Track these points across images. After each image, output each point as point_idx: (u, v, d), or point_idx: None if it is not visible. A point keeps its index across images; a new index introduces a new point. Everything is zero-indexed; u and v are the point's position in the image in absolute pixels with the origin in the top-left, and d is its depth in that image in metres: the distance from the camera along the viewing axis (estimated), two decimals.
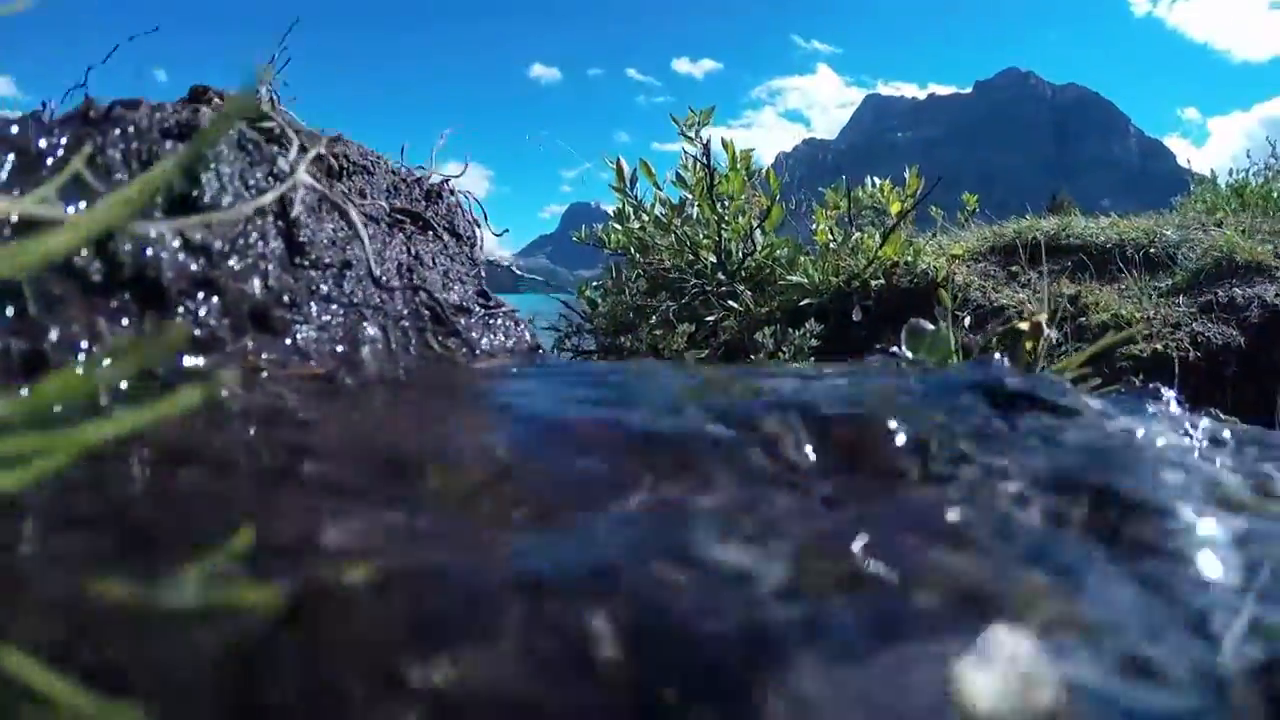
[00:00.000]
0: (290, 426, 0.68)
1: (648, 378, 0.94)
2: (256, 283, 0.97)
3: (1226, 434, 0.90)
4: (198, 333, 0.86)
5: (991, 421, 0.76)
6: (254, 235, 1.01)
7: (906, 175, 4.44)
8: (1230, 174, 7.99)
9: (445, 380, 1.00)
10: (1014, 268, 4.67)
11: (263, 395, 0.79)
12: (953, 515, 0.56)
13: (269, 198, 1.00)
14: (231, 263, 0.96)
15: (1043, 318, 1.19)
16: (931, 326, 1.23)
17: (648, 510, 0.55)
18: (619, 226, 4.56)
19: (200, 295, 0.89)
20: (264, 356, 0.92)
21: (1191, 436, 0.87)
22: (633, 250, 4.49)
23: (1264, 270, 4.48)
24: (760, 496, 0.58)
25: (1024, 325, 1.19)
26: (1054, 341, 1.22)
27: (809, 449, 0.67)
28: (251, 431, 0.67)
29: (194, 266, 0.91)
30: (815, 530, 0.53)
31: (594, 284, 4.81)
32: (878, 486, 0.62)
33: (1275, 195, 6.67)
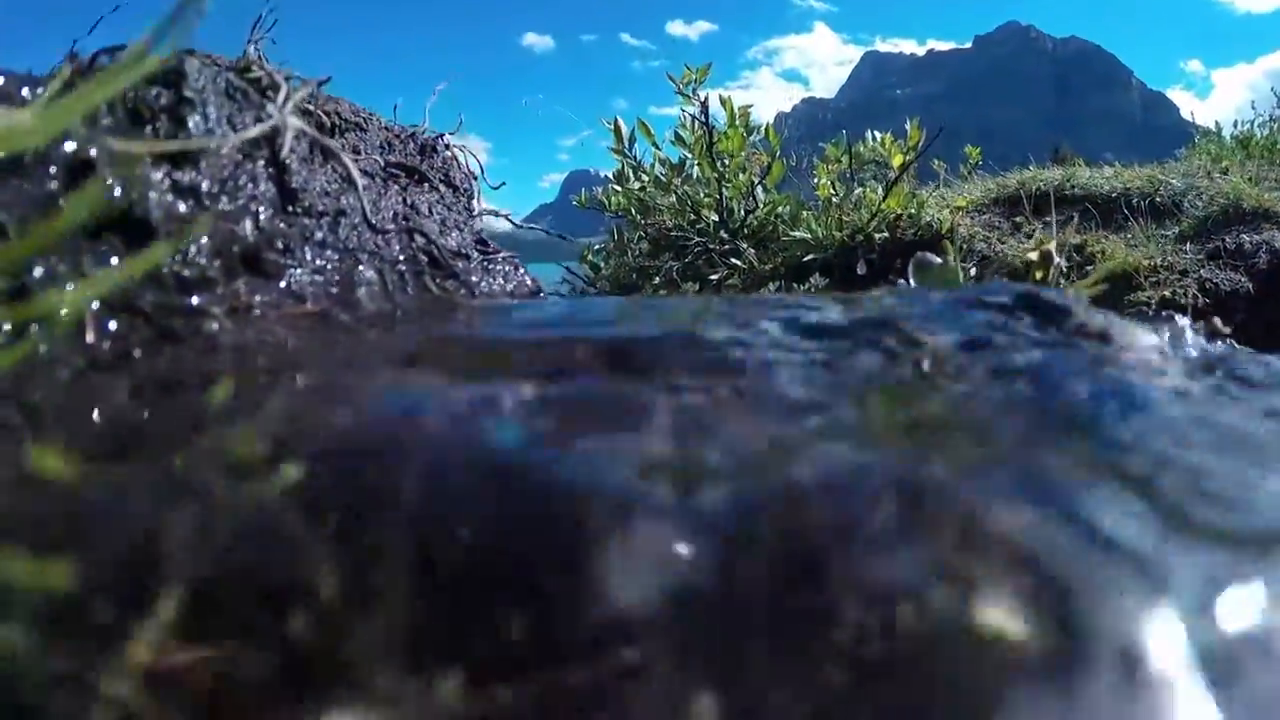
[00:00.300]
0: (280, 348, 0.67)
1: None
2: (248, 224, 0.95)
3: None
4: (187, 273, 0.84)
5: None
6: (244, 178, 0.99)
7: (908, 128, 4.39)
8: (1235, 125, 7.89)
9: (445, 311, 0.98)
10: (1018, 218, 4.63)
11: (254, 330, 0.77)
12: None
13: (255, 130, 0.98)
14: (221, 204, 0.94)
15: (1052, 246, 1.17)
16: (939, 259, 1.21)
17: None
18: (619, 188, 4.52)
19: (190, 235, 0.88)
20: (257, 298, 0.90)
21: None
22: (634, 212, 4.45)
23: (1271, 217, 4.43)
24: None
25: (1033, 255, 1.17)
26: (1063, 271, 1.20)
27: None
28: (238, 356, 0.66)
29: (182, 207, 0.89)
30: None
31: (596, 247, 4.78)
32: None
33: None
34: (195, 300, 0.84)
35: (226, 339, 0.74)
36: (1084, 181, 5.06)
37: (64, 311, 0.58)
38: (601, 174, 4.87)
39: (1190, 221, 4.50)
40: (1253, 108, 8.09)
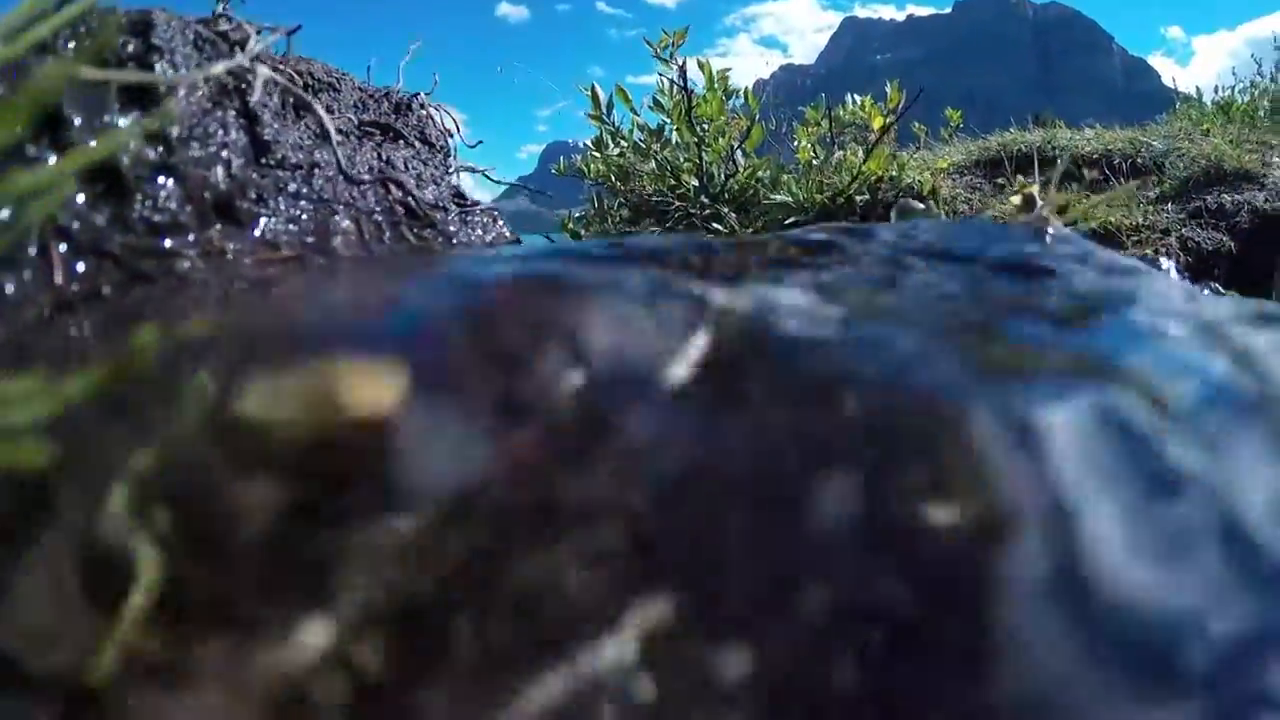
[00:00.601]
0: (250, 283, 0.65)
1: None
2: (219, 171, 0.93)
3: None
4: (157, 218, 0.82)
5: None
6: (214, 125, 0.97)
7: (888, 90, 4.37)
8: (1216, 91, 7.89)
9: (422, 254, 0.97)
10: (1000, 180, 4.63)
11: (228, 270, 0.76)
12: None
13: (220, 66, 0.96)
14: (192, 151, 0.92)
15: (1034, 189, 1.16)
16: (921, 205, 1.20)
17: None
18: (598, 155, 4.47)
19: (159, 180, 0.86)
20: (230, 245, 0.88)
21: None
22: (613, 178, 4.42)
23: (1253, 178, 4.44)
24: None
25: (1015, 199, 1.17)
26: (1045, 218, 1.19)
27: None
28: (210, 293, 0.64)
29: (152, 154, 0.87)
30: None
31: (577, 215, 4.74)
32: None
33: (1261, 113, 6.60)
34: (167, 243, 0.82)
35: (198, 278, 0.72)
36: (1065, 143, 5.06)
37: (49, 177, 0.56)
38: (580, 144, 4.82)
39: (1172, 182, 4.51)
40: (1233, 74, 8.08)
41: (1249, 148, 4.77)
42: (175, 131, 0.90)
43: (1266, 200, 4.22)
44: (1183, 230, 4.11)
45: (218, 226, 0.89)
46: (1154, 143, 4.98)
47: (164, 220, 0.82)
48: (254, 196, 0.97)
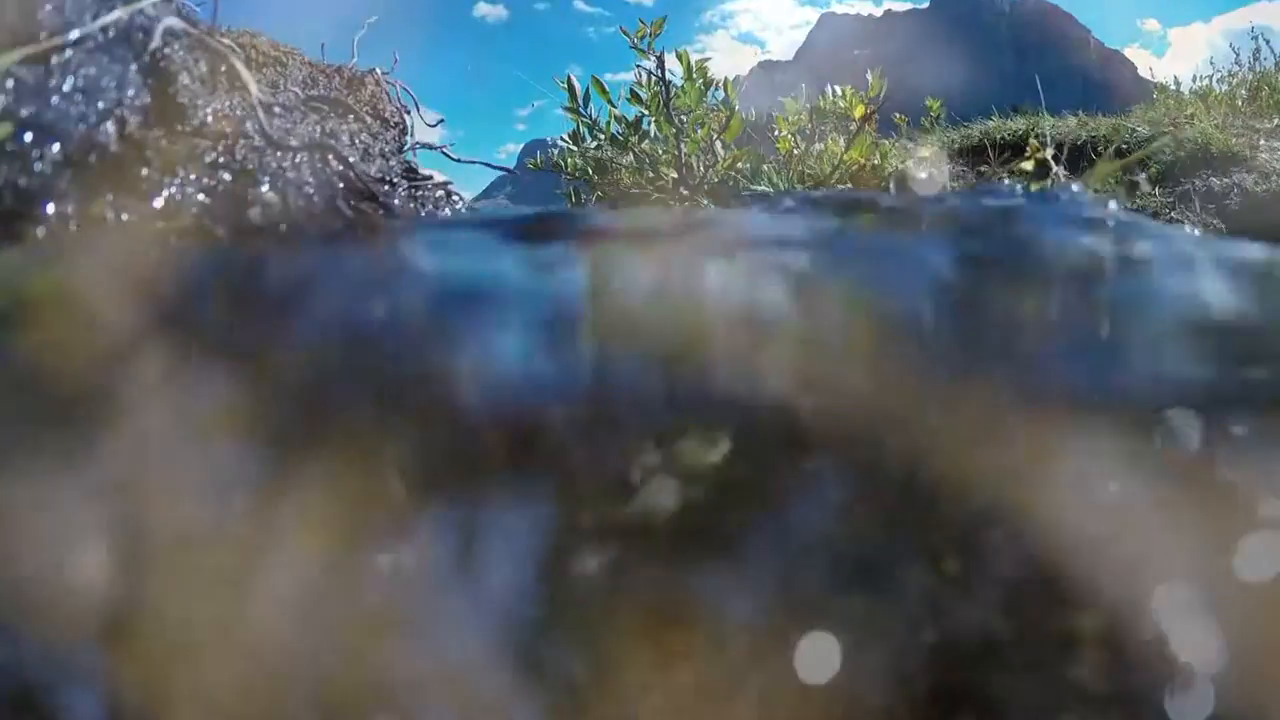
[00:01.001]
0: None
1: None
2: (110, 129, 0.79)
3: None
4: (23, 181, 0.69)
5: None
6: (107, 79, 0.83)
7: (869, 78, 4.25)
8: (1194, 80, 7.83)
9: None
10: (983, 168, 4.53)
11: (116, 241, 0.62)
12: None
13: (111, 16, 0.82)
14: (75, 108, 0.78)
15: (1049, 154, 1.05)
16: (924, 175, 1.09)
17: None
18: (575, 148, 4.34)
19: (29, 138, 0.72)
20: (124, 217, 0.75)
21: None
22: (590, 172, 4.28)
23: (1240, 160, 4.36)
24: None
25: (1028, 165, 1.06)
26: (1061, 179, 1.08)
27: None
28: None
29: (24, 111, 0.74)
30: None
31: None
32: None
33: (1239, 102, 6.53)
34: (52, 210, 0.69)
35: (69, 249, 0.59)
36: (1049, 130, 4.96)
37: None
38: (560, 141, 4.68)
39: (1158, 166, 4.41)
40: (1211, 64, 8.02)
41: (1235, 131, 4.68)
42: (53, 83, 0.76)
43: (1256, 182, 4.14)
44: (1172, 214, 4.02)
45: (109, 196, 0.76)
46: (1138, 128, 4.89)
47: (31, 185, 0.69)
48: (158, 163, 0.83)
